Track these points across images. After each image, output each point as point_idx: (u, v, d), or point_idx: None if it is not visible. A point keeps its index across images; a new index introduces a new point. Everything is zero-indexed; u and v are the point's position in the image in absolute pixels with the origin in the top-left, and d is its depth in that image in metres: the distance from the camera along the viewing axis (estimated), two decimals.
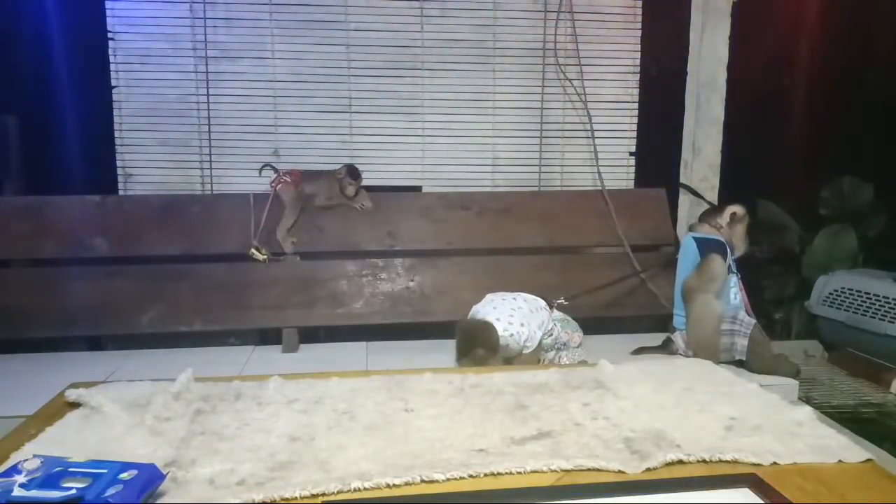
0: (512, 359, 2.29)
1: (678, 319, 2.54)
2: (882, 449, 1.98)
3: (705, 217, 2.60)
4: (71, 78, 2.99)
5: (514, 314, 2.27)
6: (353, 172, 2.90)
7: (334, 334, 2.90)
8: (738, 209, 2.54)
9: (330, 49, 3.11)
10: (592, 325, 2.66)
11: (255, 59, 3.07)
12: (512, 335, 2.24)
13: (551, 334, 2.36)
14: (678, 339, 2.52)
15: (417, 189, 3.22)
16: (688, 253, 2.50)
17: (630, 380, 1.73)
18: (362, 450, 1.33)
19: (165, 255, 2.81)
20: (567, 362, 2.32)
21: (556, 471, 1.22)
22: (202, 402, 1.60)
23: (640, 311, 2.95)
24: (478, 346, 2.22)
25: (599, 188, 3.17)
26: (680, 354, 2.48)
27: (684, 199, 3.20)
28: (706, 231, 2.53)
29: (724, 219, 2.53)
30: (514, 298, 2.36)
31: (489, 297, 2.39)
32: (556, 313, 2.47)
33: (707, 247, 2.44)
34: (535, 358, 2.30)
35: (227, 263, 2.82)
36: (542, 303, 2.42)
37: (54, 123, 2.99)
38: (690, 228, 2.63)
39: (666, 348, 2.56)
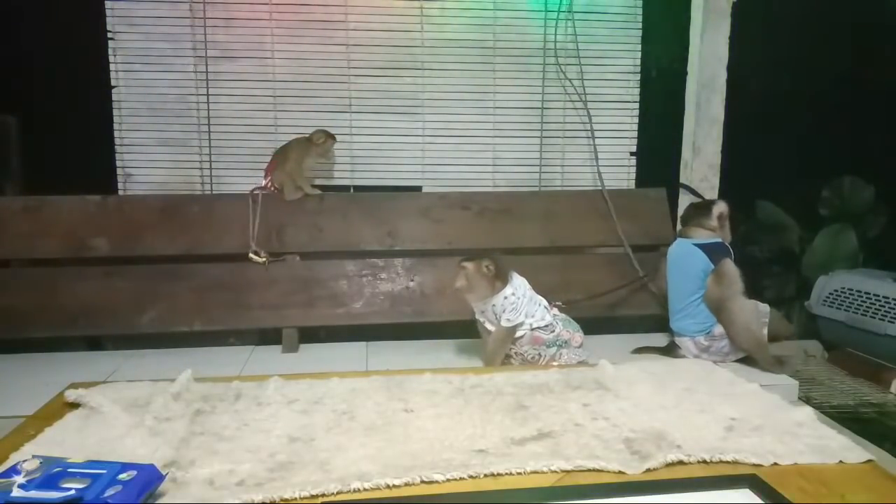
0: (482, 318, 2.42)
1: (688, 325, 2.49)
2: (882, 449, 1.98)
3: (696, 220, 2.56)
4: (71, 78, 2.98)
5: (519, 290, 2.37)
6: (329, 134, 2.94)
7: (334, 334, 2.90)
8: (724, 208, 2.56)
9: (330, 49, 3.10)
10: (593, 325, 2.66)
11: (255, 59, 3.07)
12: (506, 298, 2.33)
13: (553, 331, 2.39)
14: (689, 345, 2.49)
15: (417, 189, 3.21)
16: (695, 260, 2.45)
17: (630, 380, 1.73)
18: (362, 450, 1.33)
19: (165, 255, 2.81)
20: (566, 361, 2.33)
21: (556, 471, 1.22)
22: (202, 402, 1.60)
23: (641, 312, 2.94)
24: (488, 260, 2.33)
25: (600, 188, 3.17)
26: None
27: (684, 199, 3.19)
28: (704, 235, 2.52)
29: (714, 220, 2.53)
30: (527, 285, 2.45)
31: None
32: (558, 313, 2.49)
33: (715, 253, 2.44)
34: (505, 336, 2.35)
35: (226, 263, 2.82)
36: (545, 303, 2.46)
37: (54, 123, 2.99)
38: (684, 233, 2.59)
39: (671, 352, 2.53)
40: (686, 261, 2.51)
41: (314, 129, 2.95)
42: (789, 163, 3.50)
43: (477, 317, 2.45)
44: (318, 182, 3.11)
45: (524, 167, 3.29)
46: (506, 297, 2.33)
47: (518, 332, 2.36)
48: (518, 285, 2.38)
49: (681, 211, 3.19)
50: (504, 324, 2.34)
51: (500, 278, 2.35)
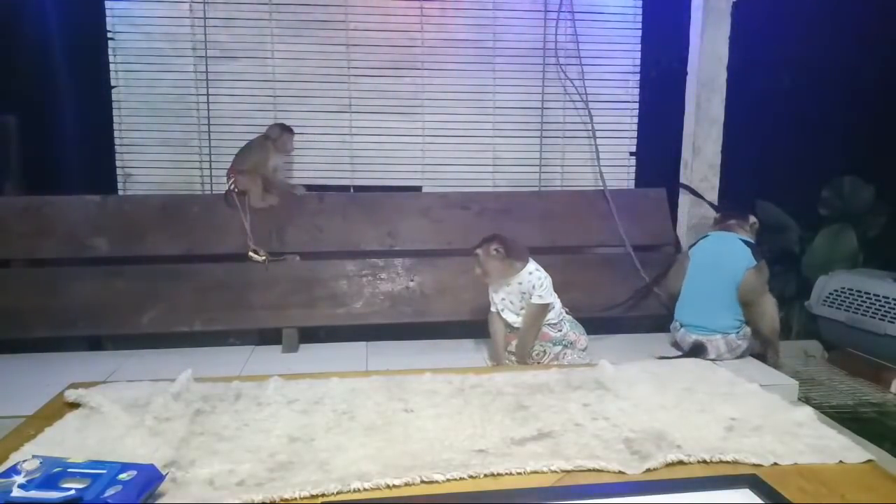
0: (502, 307, 2.38)
1: (724, 322, 2.49)
2: (882, 449, 1.98)
3: (737, 219, 2.68)
4: (71, 78, 2.98)
5: (542, 269, 2.37)
6: (285, 127, 2.89)
7: (334, 334, 2.90)
8: (755, 220, 2.72)
9: (330, 49, 3.10)
10: (594, 325, 2.66)
11: (255, 59, 3.07)
12: (531, 273, 2.33)
13: (560, 329, 2.40)
14: (720, 344, 2.48)
15: (417, 189, 3.21)
16: (741, 255, 2.52)
17: (630, 380, 1.73)
18: (362, 450, 1.33)
19: (165, 255, 2.81)
20: (569, 363, 2.33)
21: (556, 471, 1.22)
22: (202, 402, 1.60)
23: (643, 312, 2.94)
24: (495, 243, 2.31)
25: (600, 188, 3.17)
26: (717, 361, 2.25)
27: (684, 199, 3.19)
28: (745, 234, 2.63)
29: (748, 225, 2.69)
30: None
31: None
32: (565, 315, 2.49)
33: (756, 251, 2.54)
34: (537, 313, 2.34)
35: (227, 263, 2.82)
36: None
37: (54, 123, 2.99)
38: (726, 227, 2.66)
39: (698, 355, 2.41)
40: (730, 255, 2.55)
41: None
42: (789, 163, 3.50)
43: (493, 308, 2.43)
44: (317, 182, 3.11)
45: (524, 167, 3.29)
46: (531, 273, 2.34)
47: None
48: (538, 266, 2.39)
49: (681, 211, 3.20)
50: (535, 300, 2.33)
51: (516, 257, 2.34)
